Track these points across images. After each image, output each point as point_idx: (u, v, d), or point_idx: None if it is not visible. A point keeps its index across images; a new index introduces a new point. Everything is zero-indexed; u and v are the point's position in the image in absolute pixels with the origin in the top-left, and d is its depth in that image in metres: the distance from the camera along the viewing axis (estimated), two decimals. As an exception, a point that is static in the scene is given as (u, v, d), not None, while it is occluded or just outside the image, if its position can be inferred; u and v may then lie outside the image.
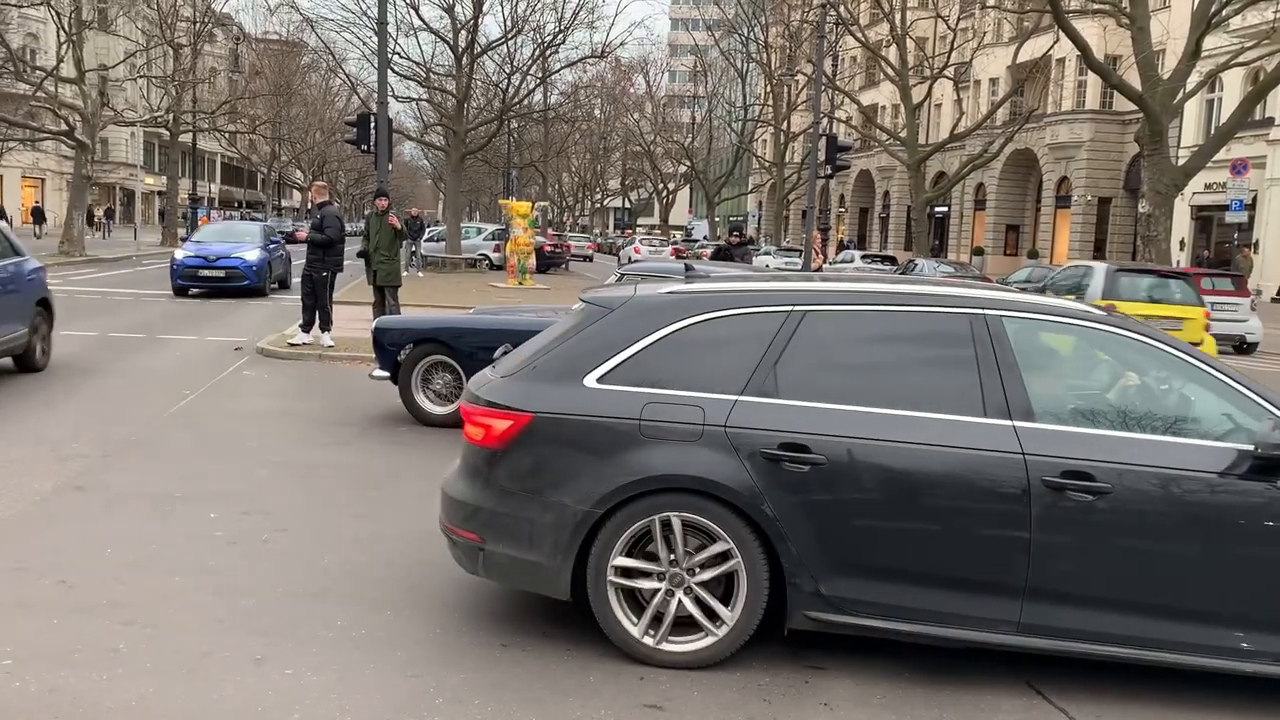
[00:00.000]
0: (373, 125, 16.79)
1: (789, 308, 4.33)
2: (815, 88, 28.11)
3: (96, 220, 51.09)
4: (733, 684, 4.10)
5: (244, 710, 3.75)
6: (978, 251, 47.69)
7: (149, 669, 4.04)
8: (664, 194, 67.94)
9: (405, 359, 9.10)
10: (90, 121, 33.49)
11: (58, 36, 33.39)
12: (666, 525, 4.15)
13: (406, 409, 9.09)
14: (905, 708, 3.97)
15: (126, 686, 3.88)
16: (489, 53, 35.85)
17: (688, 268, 5.35)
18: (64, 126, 33.70)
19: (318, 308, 13.19)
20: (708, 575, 4.18)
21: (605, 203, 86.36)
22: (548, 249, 35.71)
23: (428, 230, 35.86)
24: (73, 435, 7.96)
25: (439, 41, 34.19)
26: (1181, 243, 34.43)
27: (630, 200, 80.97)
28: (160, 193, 66.28)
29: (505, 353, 5.12)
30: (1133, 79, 20.66)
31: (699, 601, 4.20)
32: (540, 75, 36.00)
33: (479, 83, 37.66)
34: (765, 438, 4.09)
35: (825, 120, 39.48)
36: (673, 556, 4.18)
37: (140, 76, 44.49)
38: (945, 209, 51.90)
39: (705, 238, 60.86)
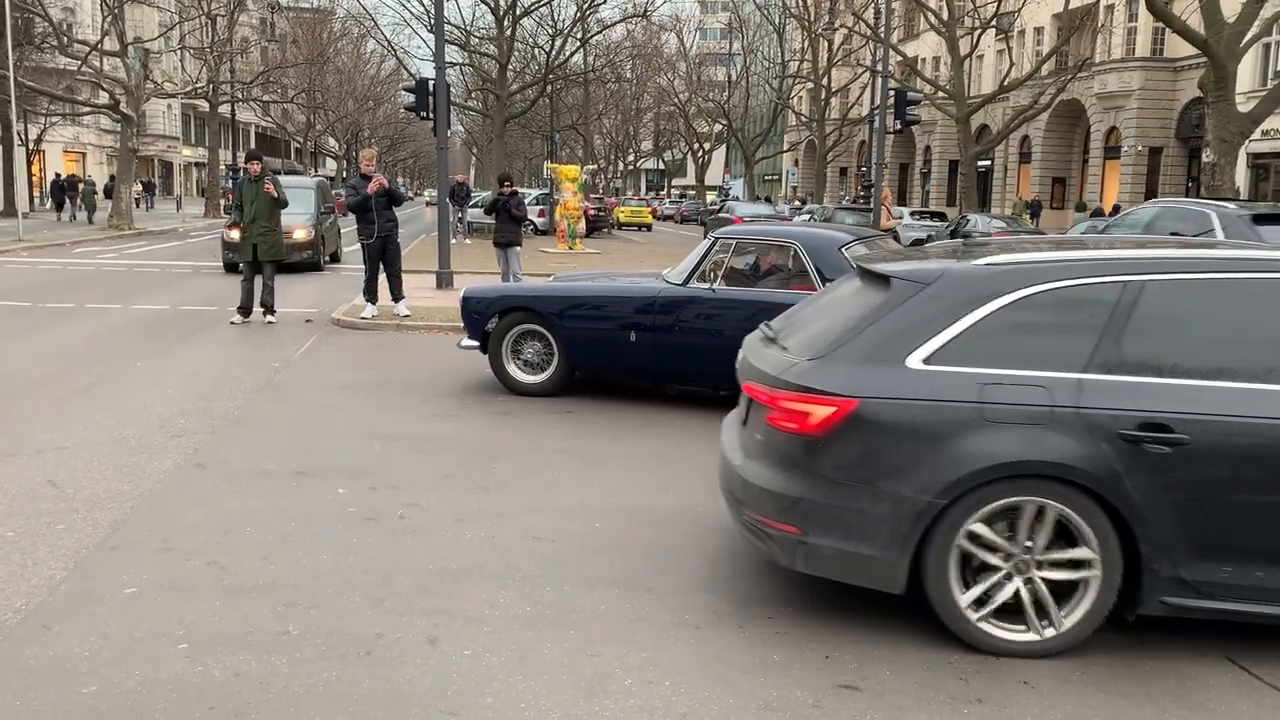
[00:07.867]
0: (430, 90, 16.59)
1: (1126, 277, 4.06)
2: (886, 26, 27.44)
3: (135, 194, 51.38)
4: (921, 662, 3.98)
5: (434, 693, 3.67)
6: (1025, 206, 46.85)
7: (325, 651, 3.97)
8: (699, 154, 67.24)
9: (494, 329, 8.99)
10: (134, 94, 33.55)
11: (96, 9, 33.31)
12: (1013, 511, 3.96)
13: (497, 378, 9.00)
14: (1111, 685, 3.82)
15: (309, 670, 3.82)
16: (528, 15, 35.48)
17: (966, 235, 5.06)
18: (106, 100, 33.78)
19: (373, 278, 12.99)
20: (1056, 561, 3.98)
21: (639, 164, 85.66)
22: (591, 213, 35.46)
23: (472, 197, 35.66)
24: (177, 412, 7.94)
25: (479, 4, 33.89)
26: (1237, 192, 33.57)
27: (664, 161, 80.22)
28: (198, 164, 66.51)
29: (768, 328, 4.89)
30: (1193, 24, 20.05)
31: (1035, 595, 4.01)
32: (580, 37, 35.59)
33: (518, 46, 37.30)
34: (1122, 418, 3.85)
35: (868, 74, 38.82)
36: (1025, 543, 3.98)
37: (181, 47, 44.50)
38: (988, 163, 50.94)
39: (739, 197, 60.26)
